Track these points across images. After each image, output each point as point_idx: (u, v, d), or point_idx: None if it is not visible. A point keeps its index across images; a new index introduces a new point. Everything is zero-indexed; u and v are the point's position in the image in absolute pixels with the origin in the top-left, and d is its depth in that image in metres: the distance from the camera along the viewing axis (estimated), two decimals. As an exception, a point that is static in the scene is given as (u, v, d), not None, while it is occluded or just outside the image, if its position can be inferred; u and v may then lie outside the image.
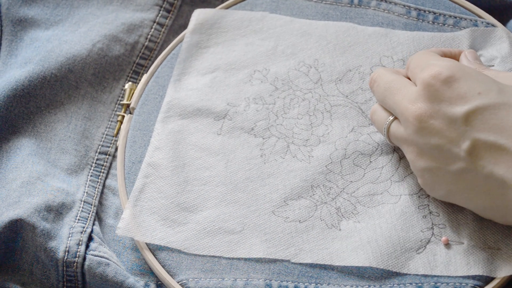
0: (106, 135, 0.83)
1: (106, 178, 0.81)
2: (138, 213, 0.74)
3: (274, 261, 0.72)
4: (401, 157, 0.74)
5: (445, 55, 0.74)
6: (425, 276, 0.69)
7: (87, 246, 0.75)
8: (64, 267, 0.74)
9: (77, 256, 0.74)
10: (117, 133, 0.82)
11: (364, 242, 0.71)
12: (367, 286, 0.70)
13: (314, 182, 0.74)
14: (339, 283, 0.70)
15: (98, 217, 0.78)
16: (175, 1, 0.88)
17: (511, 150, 0.63)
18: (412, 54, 0.78)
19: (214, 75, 0.81)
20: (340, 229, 0.72)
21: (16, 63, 0.84)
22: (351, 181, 0.74)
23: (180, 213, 0.74)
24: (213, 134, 0.78)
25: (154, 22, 0.87)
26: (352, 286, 0.70)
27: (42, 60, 0.83)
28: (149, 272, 0.75)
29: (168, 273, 0.72)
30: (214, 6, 0.88)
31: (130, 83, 0.84)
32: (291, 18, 0.83)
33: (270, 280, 0.71)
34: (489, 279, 0.69)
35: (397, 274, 0.70)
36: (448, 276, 0.69)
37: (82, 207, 0.77)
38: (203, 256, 0.72)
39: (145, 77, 0.82)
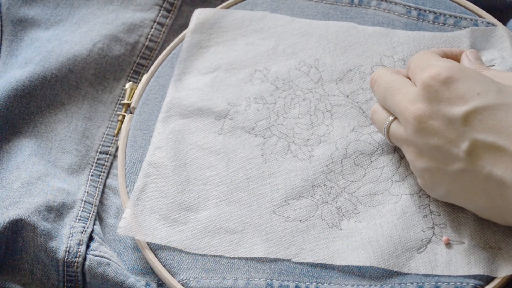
0: (107, 135, 0.83)
1: (107, 177, 0.81)
2: (139, 213, 0.74)
3: (275, 260, 0.72)
4: (402, 157, 0.74)
5: (446, 55, 0.74)
6: (426, 275, 0.69)
7: (87, 246, 0.75)
8: (65, 267, 0.74)
9: (78, 256, 0.74)
10: (118, 132, 0.82)
11: (365, 242, 0.71)
12: (368, 286, 0.70)
13: (315, 181, 0.74)
14: (340, 282, 0.70)
15: (99, 217, 0.78)
16: (176, 1, 0.88)
17: (510, 151, 0.63)
18: (413, 54, 0.78)
19: (214, 75, 0.81)
20: (341, 229, 0.72)
21: (16, 63, 0.84)
22: (352, 181, 0.74)
23: (181, 213, 0.74)
24: (214, 134, 0.78)
25: (155, 22, 0.87)
26: (353, 286, 0.70)
27: (42, 60, 0.83)
28: (150, 271, 0.74)
29: (169, 272, 0.72)
30: (215, 5, 0.88)
31: (130, 82, 0.84)
32: (292, 17, 0.83)
33: (271, 280, 0.71)
34: (490, 279, 0.69)
35: (398, 274, 0.70)
36: (449, 276, 0.69)
37: (83, 207, 0.77)
38: (204, 255, 0.72)
39: (145, 76, 0.82)
